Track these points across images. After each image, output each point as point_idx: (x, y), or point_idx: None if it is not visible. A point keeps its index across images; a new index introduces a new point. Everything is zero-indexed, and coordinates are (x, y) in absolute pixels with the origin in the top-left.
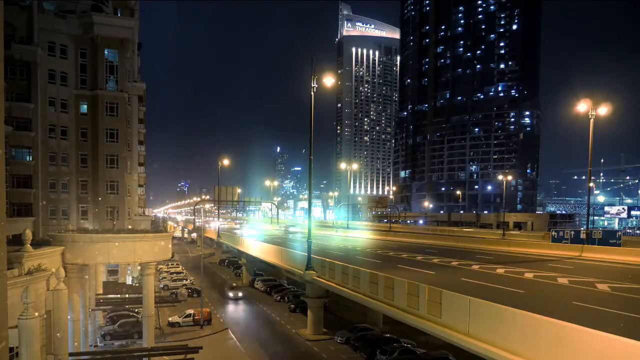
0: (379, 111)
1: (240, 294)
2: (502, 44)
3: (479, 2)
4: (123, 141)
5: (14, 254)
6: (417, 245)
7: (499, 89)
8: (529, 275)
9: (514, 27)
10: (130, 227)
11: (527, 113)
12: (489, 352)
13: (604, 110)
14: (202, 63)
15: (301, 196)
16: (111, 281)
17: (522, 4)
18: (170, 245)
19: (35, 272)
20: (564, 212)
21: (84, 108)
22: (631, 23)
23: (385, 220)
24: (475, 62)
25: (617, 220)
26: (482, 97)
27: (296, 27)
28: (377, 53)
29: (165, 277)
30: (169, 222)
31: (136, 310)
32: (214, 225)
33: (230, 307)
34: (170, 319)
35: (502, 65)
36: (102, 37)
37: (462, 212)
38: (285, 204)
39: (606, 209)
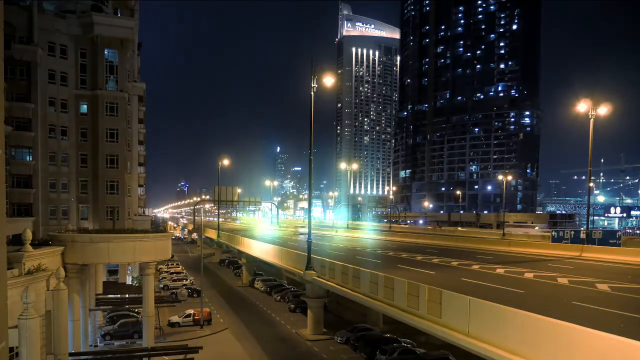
0: (379, 111)
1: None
2: (502, 44)
3: (479, 2)
4: (123, 141)
5: (14, 254)
6: (417, 245)
7: (499, 89)
8: (529, 275)
9: (514, 27)
10: (130, 227)
11: (527, 113)
12: (489, 352)
13: (604, 110)
14: (202, 63)
15: (301, 196)
16: (111, 281)
17: (522, 4)
18: (170, 245)
19: (35, 272)
20: (564, 212)
21: (84, 108)
22: (631, 23)
23: (385, 220)
24: (475, 62)
25: (617, 220)
26: (482, 97)
27: (296, 27)
28: (377, 53)
29: (165, 277)
30: (170, 223)
31: (136, 310)
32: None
33: (230, 307)
34: (170, 319)
35: (502, 65)
36: (102, 37)
37: (462, 212)
38: (285, 204)
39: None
